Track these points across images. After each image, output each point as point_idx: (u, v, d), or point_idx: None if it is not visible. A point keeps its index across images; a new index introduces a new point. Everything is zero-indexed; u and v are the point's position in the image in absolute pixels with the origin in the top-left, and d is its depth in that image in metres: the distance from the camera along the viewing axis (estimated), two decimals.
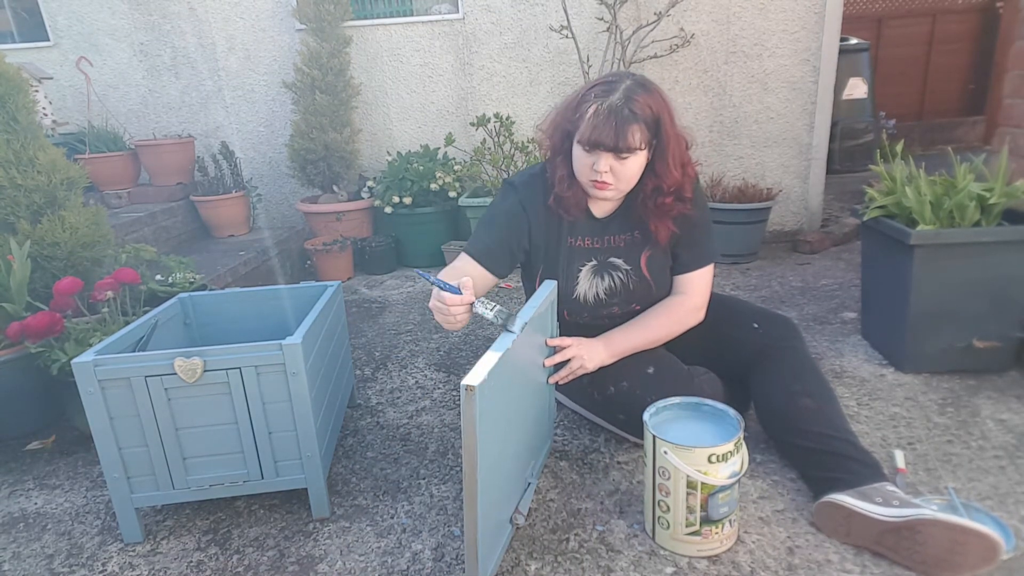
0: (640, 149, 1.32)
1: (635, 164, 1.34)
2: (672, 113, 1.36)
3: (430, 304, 1.23)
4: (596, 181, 1.36)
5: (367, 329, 2.56)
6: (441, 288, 1.19)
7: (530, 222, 1.50)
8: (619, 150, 1.30)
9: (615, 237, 1.50)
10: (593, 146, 1.32)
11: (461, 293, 1.18)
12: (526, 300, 1.67)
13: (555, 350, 1.44)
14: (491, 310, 1.18)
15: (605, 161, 1.32)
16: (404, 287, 3.13)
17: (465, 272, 1.42)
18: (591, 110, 1.31)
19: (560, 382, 1.48)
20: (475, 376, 0.97)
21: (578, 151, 1.36)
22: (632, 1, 3.21)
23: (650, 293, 1.52)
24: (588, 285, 1.51)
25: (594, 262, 1.50)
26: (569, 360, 1.44)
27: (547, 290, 1.39)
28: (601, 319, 1.53)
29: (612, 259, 1.50)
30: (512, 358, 1.13)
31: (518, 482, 1.28)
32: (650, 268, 1.50)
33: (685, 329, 1.51)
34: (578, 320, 1.55)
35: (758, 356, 1.48)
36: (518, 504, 1.27)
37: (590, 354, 1.44)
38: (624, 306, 1.53)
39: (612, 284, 1.50)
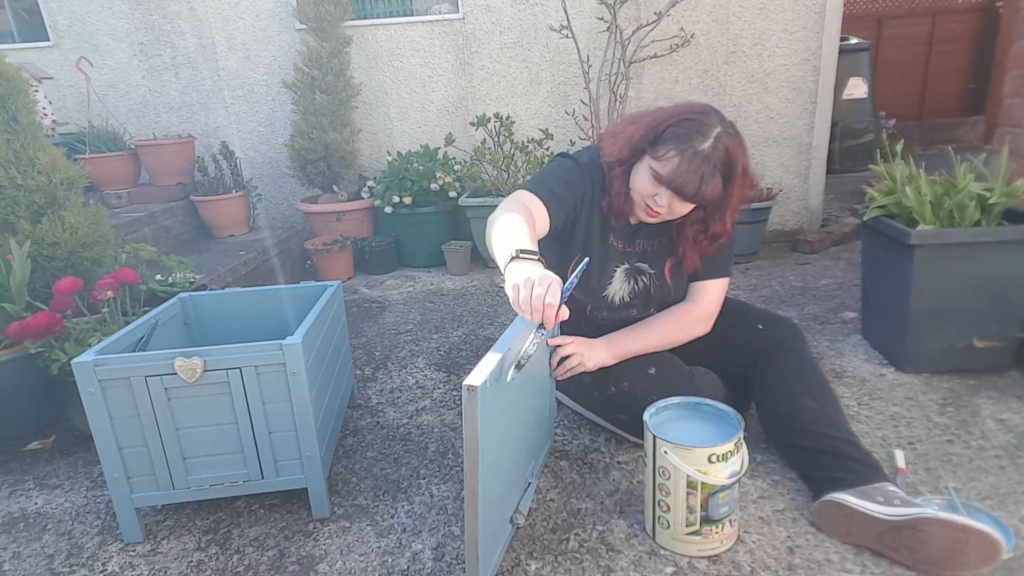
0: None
1: (691, 206, 1.34)
2: (747, 163, 1.32)
3: (529, 292, 1.01)
4: (650, 209, 1.34)
5: (367, 329, 2.56)
6: (566, 288, 1.06)
7: (584, 198, 1.44)
8: (693, 201, 1.29)
9: (643, 243, 1.50)
10: (665, 184, 1.27)
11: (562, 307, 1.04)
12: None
13: (556, 350, 1.44)
14: (532, 347, 1.08)
15: (666, 197, 1.30)
16: (404, 287, 3.13)
17: (532, 211, 1.29)
18: (678, 150, 1.25)
19: (559, 378, 1.48)
20: (477, 376, 0.97)
21: (644, 174, 1.31)
22: (632, 1, 3.21)
23: (668, 299, 1.52)
24: (618, 287, 1.50)
25: (626, 266, 1.50)
26: (569, 357, 1.44)
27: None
28: (619, 320, 1.54)
29: (639, 264, 1.50)
30: (513, 358, 1.13)
31: (518, 482, 1.28)
32: (672, 275, 1.50)
33: (690, 338, 1.51)
34: (597, 316, 1.55)
35: (760, 357, 1.48)
36: (518, 504, 1.27)
37: (590, 353, 1.44)
38: (643, 310, 1.53)
39: (636, 288, 1.51)
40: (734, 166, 1.28)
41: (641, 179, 1.33)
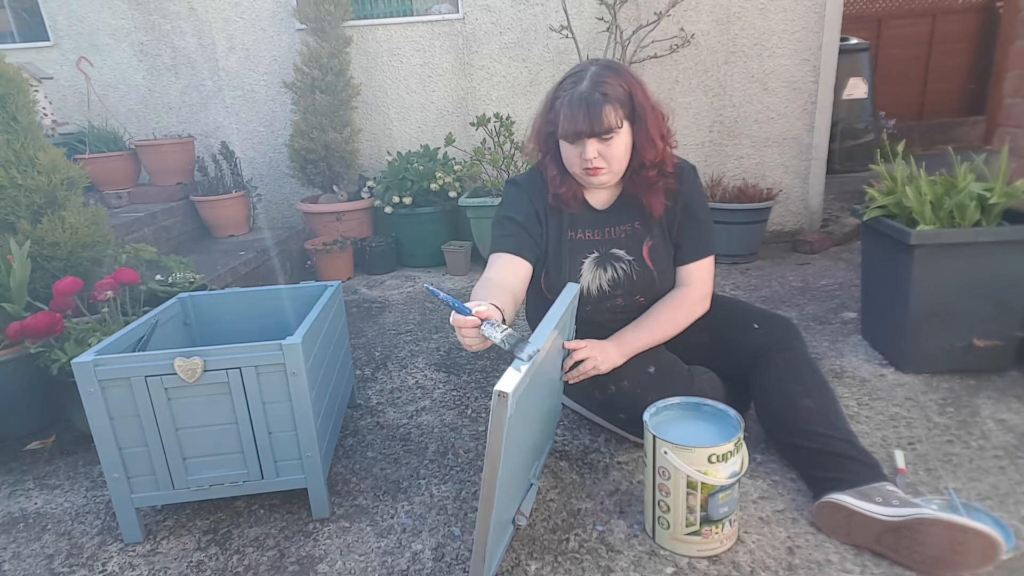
0: (619, 127, 1.34)
1: (621, 143, 1.36)
2: (644, 88, 1.38)
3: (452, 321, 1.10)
4: (588, 169, 1.38)
5: (367, 329, 2.56)
6: (452, 307, 1.07)
7: (536, 212, 1.51)
8: (599, 133, 1.33)
9: (615, 228, 1.51)
10: (575, 136, 1.35)
11: (470, 313, 1.06)
12: (526, 304, 1.66)
13: (571, 353, 1.43)
14: (500, 332, 1.05)
15: (592, 148, 1.35)
16: (404, 287, 3.13)
17: (508, 273, 1.41)
18: (564, 104, 1.34)
19: (571, 381, 1.47)
20: (507, 383, 0.95)
21: (564, 146, 1.40)
22: (632, 1, 3.21)
23: (653, 283, 1.52)
24: (591, 277, 1.51)
25: (596, 254, 1.51)
26: (583, 361, 1.43)
27: (569, 296, 1.36)
28: (605, 311, 1.54)
29: (614, 250, 1.51)
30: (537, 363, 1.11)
31: (522, 483, 1.28)
32: (653, 258, 1.50)
33: (693, 320, 1.52)
34: (581, 312, 1.55)
35: (758, 357, 1.48)
36: (520, 505, 1.27)
37: (604, 356, 1.43)
38: (628, 297, 1.53)
39: (615, 275, 1.51)
40: (629, 90, 1.35)
41: (564, 151, 1.41)
